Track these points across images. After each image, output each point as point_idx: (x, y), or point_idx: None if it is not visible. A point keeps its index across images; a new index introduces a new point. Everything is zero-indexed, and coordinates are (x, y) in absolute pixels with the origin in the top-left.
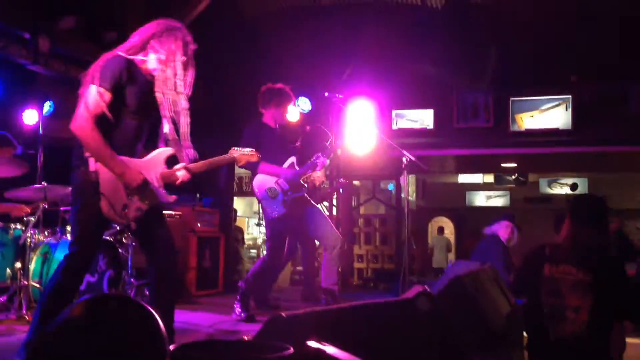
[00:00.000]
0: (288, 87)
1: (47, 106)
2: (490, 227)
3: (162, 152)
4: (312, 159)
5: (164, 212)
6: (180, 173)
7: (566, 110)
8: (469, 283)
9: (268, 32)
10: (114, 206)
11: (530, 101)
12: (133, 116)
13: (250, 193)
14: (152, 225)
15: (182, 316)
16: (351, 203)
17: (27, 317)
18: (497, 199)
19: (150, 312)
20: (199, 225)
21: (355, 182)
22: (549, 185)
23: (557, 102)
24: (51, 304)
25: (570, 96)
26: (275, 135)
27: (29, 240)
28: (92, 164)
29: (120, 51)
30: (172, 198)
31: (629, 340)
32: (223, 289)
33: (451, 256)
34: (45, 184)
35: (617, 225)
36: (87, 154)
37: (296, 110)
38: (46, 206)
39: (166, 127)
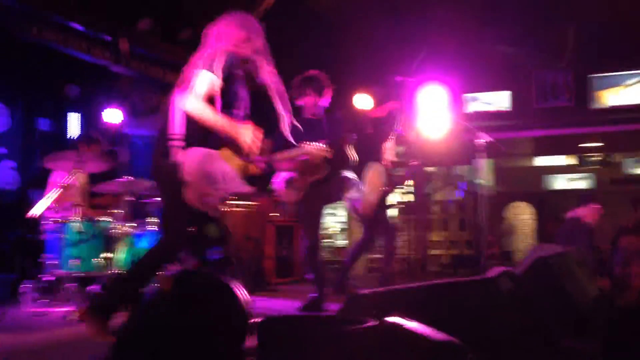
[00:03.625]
0: (323, 74)
1: (127, 105)
2: (573, 211)
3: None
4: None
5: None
6: (257, 165)
7: None
8: (554, 264)
9: (337, 22)
10: (199, 194)
11: (612, 77)
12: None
13: None
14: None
15: (263, 303)
16: (425, 189)
17: None
18: (580, 182)
19: (230, 287)
20: (276, 214)
21: (430, 169)
22: (635, 165)
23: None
24: (128, 284)
25: None
26: (313, 124)
27: (115, 232)
28: (178, 154)
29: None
30: (250, 189)
31: None
32: (300, 276)
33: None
34: (130, 178)
35: None
36: (170, 143)
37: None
38: (132, 199)
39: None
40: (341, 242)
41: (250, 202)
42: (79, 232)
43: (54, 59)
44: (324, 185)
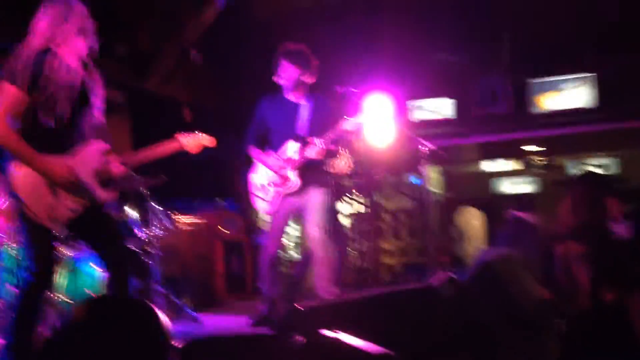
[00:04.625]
0: (309, 49)
1: None
2: (515, 213)
3: (97, 145)
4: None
5: (188, 219)
6: (115, 167)
7: (590, 87)
8: (498, 268)
9: (280, 33)
10: (39, 209)
11: (550, 82)
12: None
13: None
14: (95, 226)
15: (211, 320)
16: (374, 198)
17: None
18: (525, 185)
19: (152, 310)
20: (223, 230)
21: (379, 177)
22: (577, 167)
23: (579, 81)
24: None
25: (594, 73)
26: (289, 110)
27: (57, 253)
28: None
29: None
30: (106, 195)
31: None
32: (252, 292)
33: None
34: None
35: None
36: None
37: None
38: None
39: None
40: (296, 255)
41: (196, 219)
42: (16, 258)
43: None
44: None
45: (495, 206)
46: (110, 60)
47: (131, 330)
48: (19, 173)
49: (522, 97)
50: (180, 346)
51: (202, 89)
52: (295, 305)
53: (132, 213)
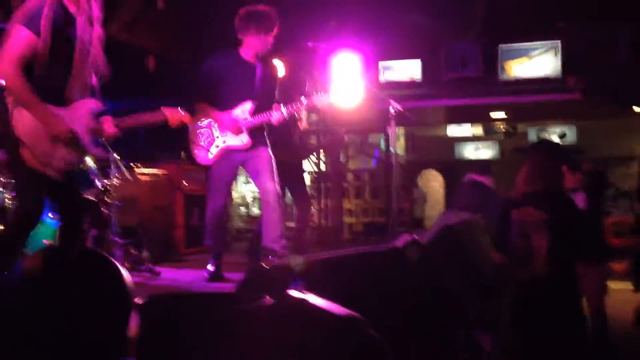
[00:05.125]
0: (274, 11)
1: None
2: (472, 176)
3: (88, 103)
4: (271, 110)
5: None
6: (108, 127)
7: (555, 55)
8: (460, 232)
9: None
10: (37, 154)
11: (519, 48)
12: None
13: None
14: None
15: (169, 274)
16: (339, 157)
17: None
18: (486, 150)
19: (114, 263)
20: (185, 183)
21: (343, 136)
22: (538, 135)
23: (546, 48)
24: None
25: (559, 41)
26: (244, 70)
27: (6, 202)
28: (9, 110)
29: None
30: (100, 152)
31: (617, 285)
32: None
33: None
34: None
35: (588, 166)
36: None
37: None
38: None
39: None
40: (255, 210)
41: (157, 170)
42: None
43: None
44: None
45: (457, 170)
46: None
47: (91, 284)
48: (22, 118)
49: (491, 63)
50: (140, 302)
51: (168, 38)
52: (261, 263)
53: (91, 163)
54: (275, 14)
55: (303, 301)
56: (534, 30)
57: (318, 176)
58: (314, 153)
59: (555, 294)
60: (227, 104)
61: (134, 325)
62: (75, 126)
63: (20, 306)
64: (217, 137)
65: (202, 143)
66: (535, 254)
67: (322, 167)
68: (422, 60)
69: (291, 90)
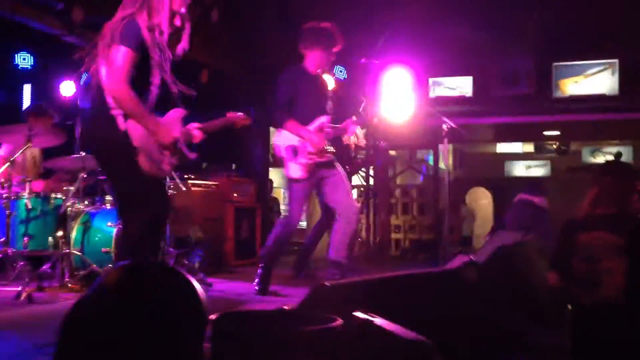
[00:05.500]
0: (336, 28)
1: (84, 77)
2: (525, 196)
3: (177, 112)
4: (342, 124)
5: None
6: (196, 132)
7: (612, 75)
8: (516, 254)
9: (303, 2)
10: (152, 160)
11: (574, 66)
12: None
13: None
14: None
15: (220, 285)
16: (387, 173)
17: (69, 285)
18: (537, 169)
19: (190, 280)
20: (235, 195)
21: (392, 152)
22: (592, 154)
23: (602, 67)
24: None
25: (616, 60)
26: (314, 85)
27: (69, 209)
28: (122, 123)
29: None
30: (194, 155)
31: None
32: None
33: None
34: (84, 154)
35: None
36: (114, 113)
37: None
38: (85, 176)
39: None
40: (302, 223)
41: (208, 182)
42: (31, 209)
43: (6, 28)
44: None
45: (507, 188)
46: None
47: (168, 300)
48: (135, 128)
49: (544, 80)
50: (213, 318)
51: (221, 53)
52: (324, 282)
53: None
54: (338, 31)
55: (370, 322)
56: (590, 49)
57: (366, 191)
58: (363, 168)
59: (630, 321)
60: (304, 119)
61: (207, 341)
62: (175, 132)
63: (99, 320)
64: (308, 152)
65: (295, 158)
66: (604, 279)
67: (371, 182)
68: (473, 77)
69: (343, 105)
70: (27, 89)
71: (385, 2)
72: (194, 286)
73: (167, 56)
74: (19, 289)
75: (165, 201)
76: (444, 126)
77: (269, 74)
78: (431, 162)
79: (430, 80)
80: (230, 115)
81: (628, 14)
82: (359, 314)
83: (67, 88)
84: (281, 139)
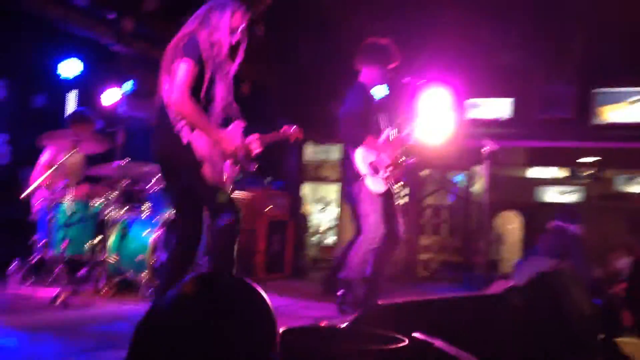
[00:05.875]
0: (394, 45)
1: (128, 85)
2: (559, 223)
3: (238, 124)
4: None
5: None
6: (255, 144)
7: None
8: (554, 281)
9: (340, 17)
10: (216, 170)
11: (616, 93)
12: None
13: (316, 178)
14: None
15: None
16: (417, 192)
17: (103, 291)
18: (570, 195)
19: (261, 292)
20: (269, 208)
21: (424, 172)
22: (626, 182)
23: None
24: (167, 279)
25: None
26: (372, 101)
27: (108, 216)
28: (186, 136)
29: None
30: (254, 166)
31: None
32: (290, 273)
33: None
34: (126, 161)
35: None
36: (177, 125)
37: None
38: (127, 183)
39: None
40: (329, 240)
41: (242, 195)
42: (71, 214)
43: (53, 34)
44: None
45: (536, 213)
46: (178, 27)
47: (240, 311)
48: (199, 140)
49: (584, 106)
50: (282, 331)
51: (263, 67)
52: (377, 302)
53: None
54: (396, 48)
55: (430, 344)
56: (632, 76)
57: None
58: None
59: None
60: (374, 134)
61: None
62: (236, 143)
63: (174, 329)
64: (386, 166)
65: (377, 173)
66: None
67: (400, 200)
68: (514, 99)
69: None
70: (71, 96)
71: (424, 21)
72: (264, 297)
73: (227, 71)
74: (56, 292)
75: (233, 208)
76: (484, 149)
77: (302, 87)
78: (462, 184)
79: (468, 101)
80: (287, 128)
81: None
82: (419, 335)
83: (110, 96)
84: (360, 156)
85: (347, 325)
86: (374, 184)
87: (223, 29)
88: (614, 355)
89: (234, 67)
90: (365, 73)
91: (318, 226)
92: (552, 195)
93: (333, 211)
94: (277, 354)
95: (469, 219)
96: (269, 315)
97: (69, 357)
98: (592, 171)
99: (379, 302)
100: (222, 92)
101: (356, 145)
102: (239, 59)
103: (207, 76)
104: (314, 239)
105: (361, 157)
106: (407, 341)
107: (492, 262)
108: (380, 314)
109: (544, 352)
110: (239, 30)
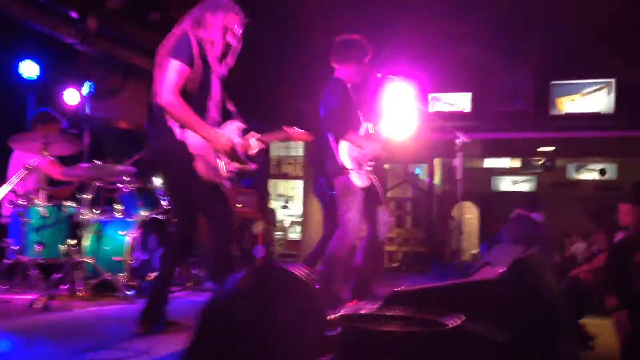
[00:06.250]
0: (365, 40)
1: (87, 86)
2: (522, 211)
3: (233, 122)
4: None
5: None
6: (254, 143)
7: (608, 94)
8: (529, 266)
9: (305, 12)
10: (210, 166)
11: (572, 85)
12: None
13: (277, 175)
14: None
15: None
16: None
17: (80, 294)
18: (524, 184)
19: (310, 283)
20: (239, 206)
21: (387, 166)
22: (577, 171)
23: (599, 86)
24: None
25: (613, 80)
26: (351, 96)
27: (82, 218)
28: (178, 133)
29: (185, 27)
30: (254, 165)
31: None
32: None
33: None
34: (97, 163)
35: None
36: (169, 124)
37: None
38: (99, 184)
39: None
40: (293, 235)
41: None
42: (43, 217)
43: (13, 33)
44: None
45: (492, 203)
46: (143, 27)
47: (294, 301)
48: (190, 136)
49: (542, 98)
50: (332, 318)
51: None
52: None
53: (157, 183)
54: (368, 42)
55: (465, 324)
56: (588, 69)
57: None
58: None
59: None
60: (355, 129)
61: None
62: (228, 140)
63: (236, 315)
64: (368, 160)
65: (359, 168)
66: None
67: None
68: (472, 92)
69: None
70: (31, 97)
71: (386, 18)
72: (314, 288)
73: (219, 71)
74: (33, 297)
75: (226, 204)
76: (457, 141)
77: (269, 85)
78: (422, 177)
79: (430, 95)
80: (289, 130)
81: (626, 35)
82: (449, 318)
83: (71, 96)
84: (344, 150)
85: (379, 311)
86: (358, 179)
87: (216, 28)
88: (581, 336)
89: (226, 67)
90: (341, 70)
91: (281, 222)
92: (507, 185)
93: (295, 207)
94: (327, 336)
95: (431, 210)
96: (318, 302)
97: (73, 357)
98: (545, 160)
99: (399, 289)
100: (216, 91)
101: (339, 139)
102: (228, 61)
103: (200, 75)
104: (279, 234)
105: (346, 152)
106: (453, 323)
107: (454, 252)
108: (403, 299)
109: (528, 334)
110: (234, 30)
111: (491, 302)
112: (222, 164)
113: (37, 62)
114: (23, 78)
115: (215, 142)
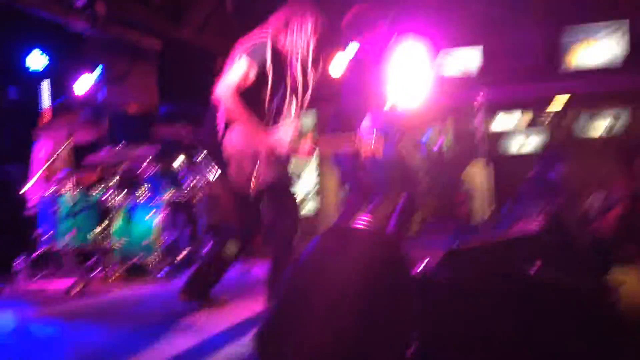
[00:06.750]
0: (372, 10)
1: (98, 71)
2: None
3: (290, 123)
4: None
5: None
6: (307, 144)
7: (622, 36)
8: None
9: None
10: (242, 172)
11: (583, 29)
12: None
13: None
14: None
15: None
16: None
17: (114, 278)
18: (535, 139)
19: (393, 240)
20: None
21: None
22: (588, 123)
23: (612, 29)
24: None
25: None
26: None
27: (110, 202)
28: (221, 130)
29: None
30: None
31: None
32: None
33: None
34: (121, 146)
35: None
36: (218, 119)
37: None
38: (124, 167)
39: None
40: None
41: None
42: (73, 205)
43: (20, 24)
44: None
45: (503, 163)
46: (146, 8)
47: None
48: (231, 140)
49: (552, 52)
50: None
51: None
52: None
53: (180, 164)
54: (373, 13)
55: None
56: (598, 13)
57: None
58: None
59: None
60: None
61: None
62: (280, 146)
63: (325, 275)
64: (397, 131)
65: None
66: None
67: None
68: (482, 45)
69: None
70: (44, 87)
71: None
72: (398, 243)
73: (300, 77)
74: (70, 283)
75: (253, 217)
76: (477, 99)
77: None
78: (431, 140)
79: (441, 52)
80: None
81: None
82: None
83: (83, 83)
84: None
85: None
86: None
87: (304, 37)
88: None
89: (316, 77)
90: (362, 43)
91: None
92: (517, 144)
93: (307, 182)
94: (414, 289)
95: (444, 174)
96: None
97: (123, 339)
98: (557, 115)
99: (454, 248)
100: (288, 96)
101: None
102: (323, 67)
103: (269, 79)
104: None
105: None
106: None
107: (469, 214)
108: (461, 258)
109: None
110: (318, 38)
111: (538, 253)
112: (256, 174)
113: (46, 53)
114: (32, 69)
115: (256, 142)
